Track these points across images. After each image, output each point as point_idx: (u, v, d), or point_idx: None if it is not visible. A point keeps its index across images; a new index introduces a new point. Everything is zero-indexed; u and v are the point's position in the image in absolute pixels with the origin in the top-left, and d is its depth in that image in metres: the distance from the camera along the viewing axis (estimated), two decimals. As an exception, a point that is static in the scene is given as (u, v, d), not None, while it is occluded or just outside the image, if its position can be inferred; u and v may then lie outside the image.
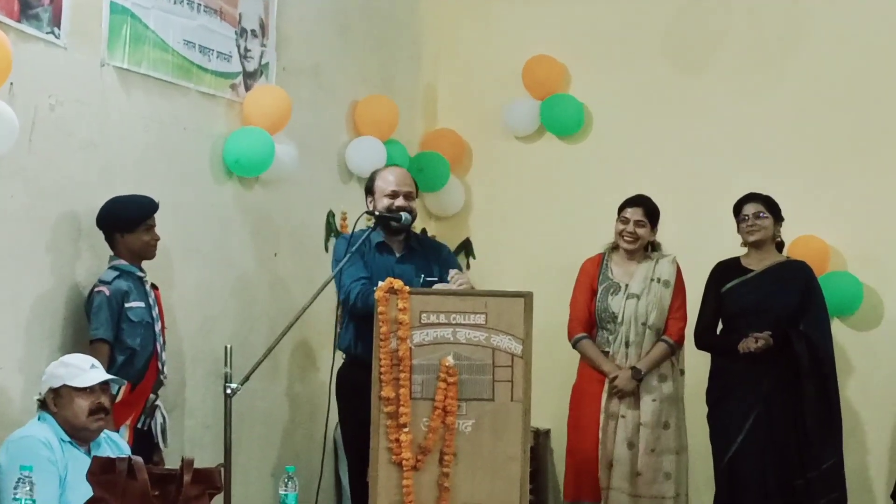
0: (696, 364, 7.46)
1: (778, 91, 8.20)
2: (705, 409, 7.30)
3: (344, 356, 6.67)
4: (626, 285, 7.26)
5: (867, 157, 7.95)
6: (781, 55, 8.22)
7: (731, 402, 7.09)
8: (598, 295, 7.29)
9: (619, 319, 7.22)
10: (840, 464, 7.02)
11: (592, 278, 7.34)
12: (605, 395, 7.16)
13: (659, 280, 7.25)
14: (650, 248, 7.35)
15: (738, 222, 7.24)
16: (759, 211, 7.18)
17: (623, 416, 7.14)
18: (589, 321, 7.33)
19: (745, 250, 7.30)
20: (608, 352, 7.24)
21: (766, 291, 7.12)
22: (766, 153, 8.15)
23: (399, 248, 6.60)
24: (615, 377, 7.12)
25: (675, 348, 7.24)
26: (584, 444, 7.18)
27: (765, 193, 7.21)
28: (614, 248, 7.39)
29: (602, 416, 7.13)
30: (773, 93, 8.21)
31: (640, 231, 7.27)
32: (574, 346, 7.33)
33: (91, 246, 6.11)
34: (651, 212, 7.30)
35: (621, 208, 7.33)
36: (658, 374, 7.18)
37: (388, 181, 6.60)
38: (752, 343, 6.95)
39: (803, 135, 8.12)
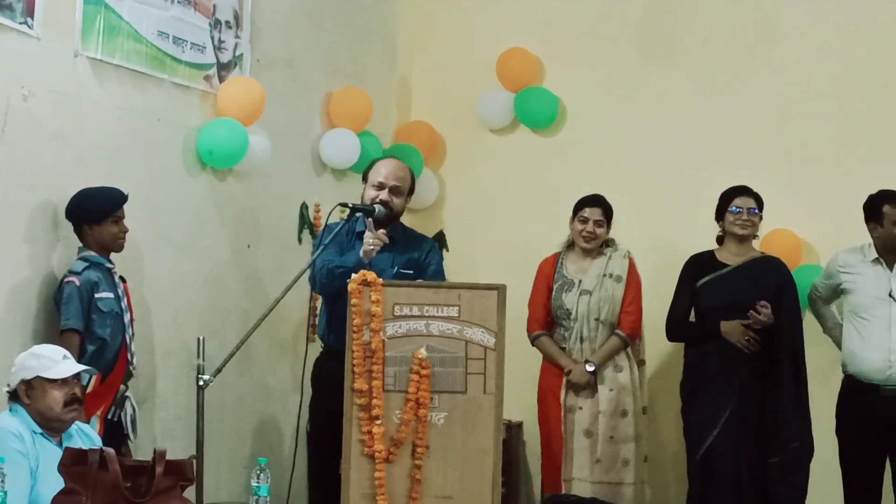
0: (660, 355, 7.50)
1: (752, 85, 8.22)
2: (669, 400, 7.34)
3: (322, 345, 6.71)
4: (580, 281, 7.36)
5: (840, 151, 7.97)
6: (755, 49, 8.24)
7: (707, 395, 7.11)
8: (553, 292, 7.40)
9: (573, 315, 7.34)
10: (804, 451, 7.03)
11: (548, 277, 7.46)
12: (563, 390, 7.25)
13: (611, 276, 7.37)
14: (604, 245, 7.44)
15: (727, 213, 7.25)
16: (753, 207, 7.21)
17: (581, 409, 7.26)
18: (546, 319, 7.47)
19: (715, 243, 7.33)
20: (565, 348, 7.33)
21: (742, 287, 7.14)
22: (740, 147, 8.16)
23: None
24: (570, 371, 7.20)
25: (628, 341, 7.38)
26: (551, 438, 7.34)
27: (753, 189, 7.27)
28: (570, 245, 7.47)
29: (563, 410, 7.24)
30: (747, 86, 8.23)
31: (599, 231, 7.39)
32: (533, 344, 7.45)
33: (64, 237, 6.10)
34: (608, 211, 7.43)
35: (579, 207, 7.44)
36: (613, 364, 7.32)
37: (379, 172, 6.65)
38: (768, 314, 6.96)
39: (776, 128, 8.14)
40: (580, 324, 7.31)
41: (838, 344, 7.31)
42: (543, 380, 7.43)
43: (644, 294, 7.65)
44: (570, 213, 7.48)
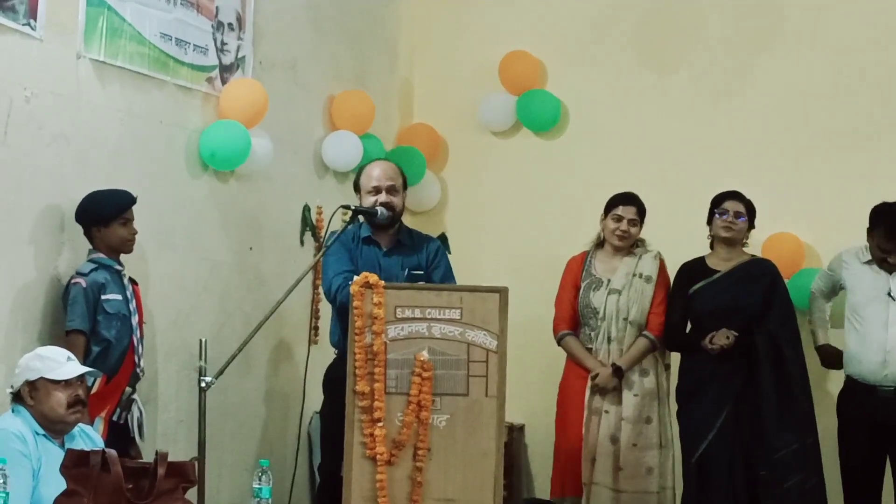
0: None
1: (754, 88, 8.22)
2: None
3: (336, 351, 6.69)
4: (608, 280, 7.29)
5: (842, 154, 7.97)
6: (757, 54, 8.24)
7: (702, 400, 7.12)
8: (581, 291, 7.32)
9: (601, 315, 7.26)
10: (803, 450, 7.01)
11: (576, 276, 7.38)
12: (588, 392, 7.19)
13: (641, 275, 7.29)
14: (634, 245, 7.38)
15: (716, 214, 7.26)
16: (740, 212, 7.21)
17: (606, 412, 7.18)
18: (573, 318, 7.37)
19: (708, 249, 7.34)
20: (591, 348, 7.27)
21: (733, 292, 7.15)
22: (741, 150, 8.17)
23: (386, 242, 6.63)
24: (596, 374, 7.15)
25: (657, 343, 7.27)
26: (569, 440, 7.24)
27: (746, 196, 7.26)
28: (598, 244, 7.42)
29: (585, 412, 7.18)
30: (749, 90, 8.24)
31: (633, 230, 7.31)
32: (559, 344, 7.37)
33: (70, 240, 6.11)
34: (642, 210, 7.36)
35: (613, 205, 7.35)
36: (639, 369, 7.22)
37: (371, 177, 6.63)
38: (722, 339, 6.97)
39: (778, 132, 8.14)
40: (608, 323, 7.23)
41: (814, 335, 7.38)
42: (566, 380, 7.35)
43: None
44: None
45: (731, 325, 7.03)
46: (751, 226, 7.29)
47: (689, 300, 7.26)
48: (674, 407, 7.32)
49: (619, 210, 7.32)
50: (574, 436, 7.20)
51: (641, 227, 7.38)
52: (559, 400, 7.38)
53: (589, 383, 7.19)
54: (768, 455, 6.95)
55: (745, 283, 7.18)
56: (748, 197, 7.27)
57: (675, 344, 7.34)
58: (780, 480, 6.94)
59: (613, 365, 7.16)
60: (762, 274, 7.24)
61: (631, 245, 7.37)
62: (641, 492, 7.14)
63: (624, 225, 7.30)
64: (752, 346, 7.02)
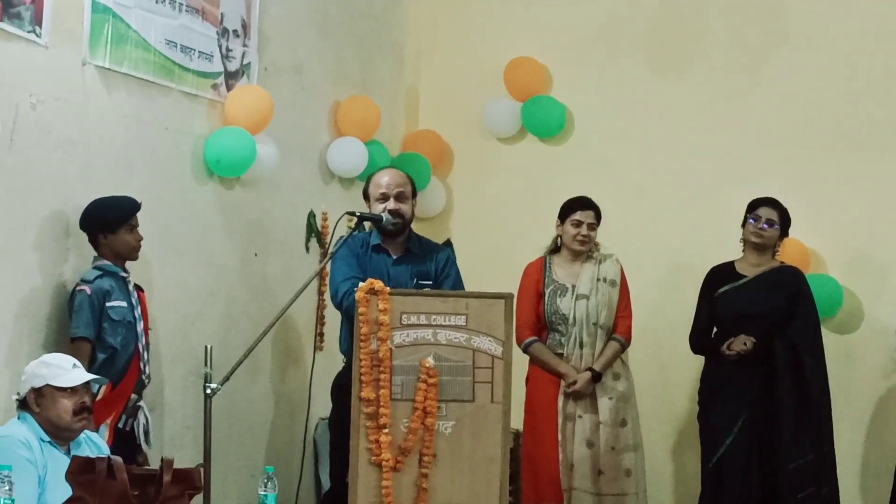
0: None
1: (759, 93, 8.22)
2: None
3: (344, 360, 6.67)
4: (573, 286, 7.27)
5: (848, 160, 7.97)
6: (762, 58, 8.24)
7: (718, 405, 7.15)
8: (546, 297, 7.27)
9: (571, 321, 7.22)
10: (818, 459, 7.02)
11: (537, 282, 7.33)
12: (561, 397, 7.17)
13: (605, 280, 7.27)
14: (590, 249, 7.37)
15: (749, 220, 7.27)
16: (773, 220, 7.22)
17: (580, 417, 7.16)
18: (537, 324, 7.31)
19: (739, 253, 7.35)
20: (561, 354, 7.25)
21: (757, 298, 7.17)
22: (748, 155, 8.16)
23: (396, 250, 6.62)
24: (574, 381, 7.13)
25: (626, 346, 7.29)
26: (543, 447, 7.19)
27: (783, 204, 7.28)
28: (554, 250, 7.41)
29: (560, 418, 7.15)
30: (755, 95, 8.23)
31: (592, 234, 7.30)
32: (525, 351, 7.27)
33: (76, 246, 6.11)
34: (599, 213, 7.34)
35: (571, 210, 7.32)
36: (612, 372, 7.22)
37: (379, 184, 6.63)
38: (739, 345, 6.98)
39: (785, 137, 8.14)
40: (578, 329, 7.19)
41: None
42: (535, 387, 7.26)
43: (651, 303, 7.67)
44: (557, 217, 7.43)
45: (751, 331, 7.05)
46: (784, 234, 7.30)
47: (714, 303, 7.27)
48: (642, 408, 7.37)
49: (578, 215, 7.30)
50: (549, 442, 7.16)
51: (597, 230, 7.36)
52: (528, 407, 7.29)
53: (562, 389, 7.17)
54: (784, 465, 6.96)
55: (769, 289, 7.20)
56: (787, 210, 7.28)
57: (699, 348, 7.37)
58: (794, 491, 6.94)
59: (591, 370, 7.15)
60: (786, 281, 7.25)
61: (588, 249, 7.36)
62: (622, 494, 7.15)
63: (584, 230, 7.28)
64: (771, 353, 7.02)
